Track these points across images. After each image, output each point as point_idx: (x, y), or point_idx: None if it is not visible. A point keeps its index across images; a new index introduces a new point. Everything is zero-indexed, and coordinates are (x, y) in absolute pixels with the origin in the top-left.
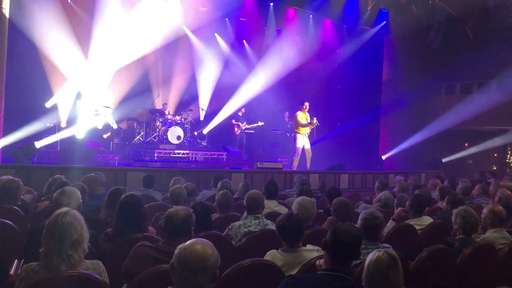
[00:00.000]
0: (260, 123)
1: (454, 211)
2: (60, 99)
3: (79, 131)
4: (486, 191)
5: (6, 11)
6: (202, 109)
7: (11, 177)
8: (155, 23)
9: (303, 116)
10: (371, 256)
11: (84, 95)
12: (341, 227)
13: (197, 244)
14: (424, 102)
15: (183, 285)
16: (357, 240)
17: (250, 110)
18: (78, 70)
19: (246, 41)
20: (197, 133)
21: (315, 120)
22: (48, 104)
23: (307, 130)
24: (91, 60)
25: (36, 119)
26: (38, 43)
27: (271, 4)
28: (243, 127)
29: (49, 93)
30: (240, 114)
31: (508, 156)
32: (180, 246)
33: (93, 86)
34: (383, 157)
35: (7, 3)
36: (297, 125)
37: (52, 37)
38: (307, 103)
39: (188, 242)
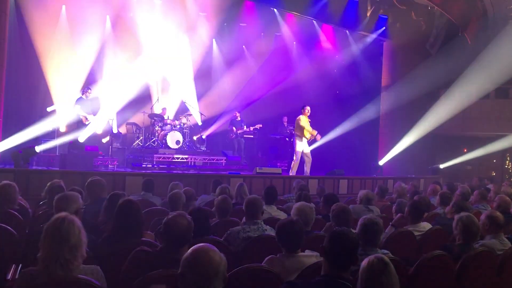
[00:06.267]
0: (258, 126)
1: (456, 217)
2: (60, 103)
3: (80, 136)
4: (485, 197)
5: (7, 15)
6: (202, 114)
7: (7, 181)
8: (155, 28)
9: (306, 120)
10: (364, 262)
11: (84, 99)
12: (338, 232)
13: (207, 251)
14: (423, 108)
15: None
16: (354, 244)
17: (249, 115)
18: (79, 74)
19: (245, 46)
20: (196, 138)
21: (319, 137)
22: (49, 109)
23: (308, 135)
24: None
25: (35, 124)
26: (38, 47)
27: (275, 9)
28: (238, 132)
29: (48, 98)
30: (238, 118)
31: (507, 162)
32: (187, 255)
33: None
34: (380, 163)
35: (8, 6)
36: (301, 128)
37: (52, 40)
38: (308, 107)
39: (194, 250)
